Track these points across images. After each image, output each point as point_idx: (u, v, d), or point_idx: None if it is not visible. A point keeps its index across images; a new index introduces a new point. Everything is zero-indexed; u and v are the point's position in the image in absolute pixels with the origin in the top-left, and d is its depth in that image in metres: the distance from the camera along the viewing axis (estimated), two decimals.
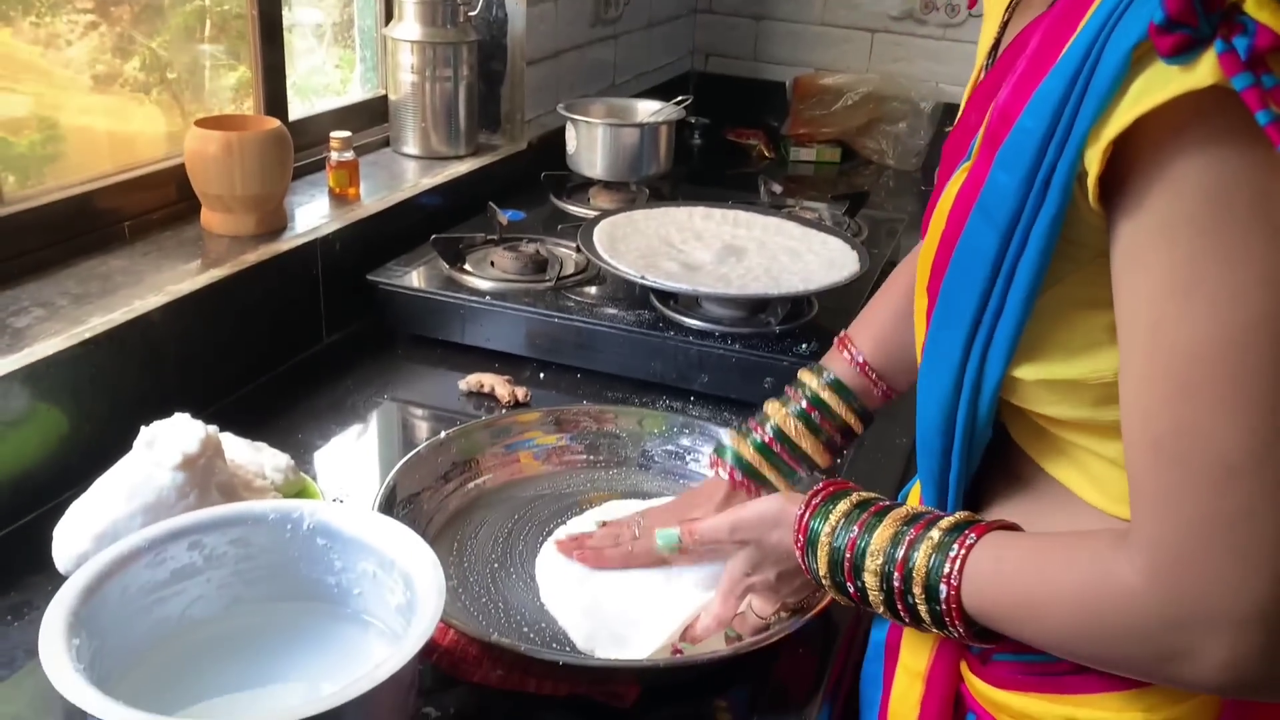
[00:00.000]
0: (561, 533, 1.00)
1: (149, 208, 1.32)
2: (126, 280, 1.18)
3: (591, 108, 1.87)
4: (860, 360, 0.93)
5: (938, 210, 0.67)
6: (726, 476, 0.96)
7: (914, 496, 0.86)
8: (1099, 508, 0.65)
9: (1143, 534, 0.56)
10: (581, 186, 1.85)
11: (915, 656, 0.77)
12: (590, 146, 1.77)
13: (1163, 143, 0.51)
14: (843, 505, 0.73)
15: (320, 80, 1.77)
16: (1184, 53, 0.48)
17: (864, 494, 0.75)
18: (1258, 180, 0.49)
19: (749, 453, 0.95)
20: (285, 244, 1.32)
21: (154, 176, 1.32)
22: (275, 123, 1.34)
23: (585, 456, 1.13)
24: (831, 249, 1.46)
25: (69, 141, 1.29)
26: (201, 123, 1.30)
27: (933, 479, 0.70)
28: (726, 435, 0.99)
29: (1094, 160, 0.53)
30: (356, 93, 1.83)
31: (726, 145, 2.43)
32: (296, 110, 1.59)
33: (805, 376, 0.96)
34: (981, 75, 0.75)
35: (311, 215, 1.42)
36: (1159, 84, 0.50)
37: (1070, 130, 0.54)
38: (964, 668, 0.75)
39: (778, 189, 1.87)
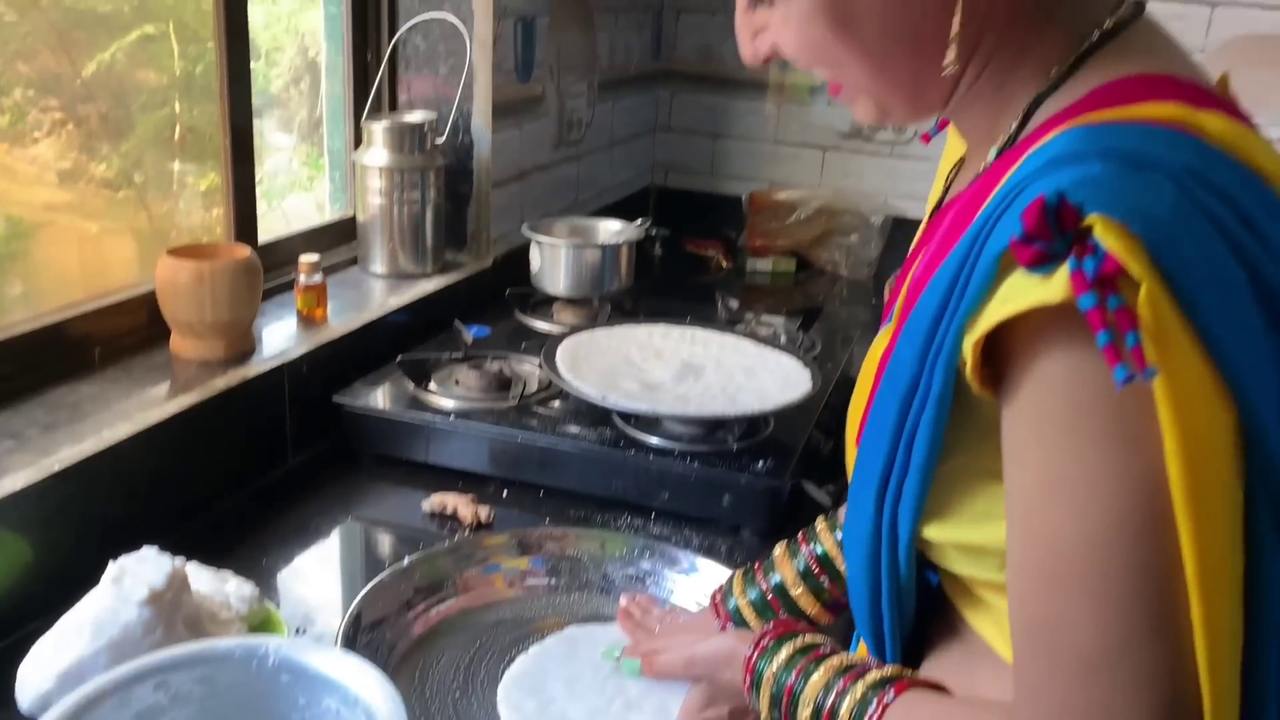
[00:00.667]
0: (521, 660, 1.01)
1: (119, 333, 1.35)
2: (96, 408, 1.20)
3: (555, 227, 1.93)
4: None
5: (864, 368, 0.71)
6: (721, 623, 0.96)
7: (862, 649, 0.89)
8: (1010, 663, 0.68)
9: (1018, 714, 0.58)
10: (545, 302, 1.90)
11: None
12: (554, 265, 1.83)
13: (1030, 345, 0.54)
14: (786, 649, 0.77)
15: (288, 179, 1.82)
16: (1041, 266, 0.51)
17: (809, 638, 0.78)
18: (1111, 394, 0.51)
19: (746, 607, 0.95)
20: (253, 369, 1.35)
21: (125, 304, 1.36)
22: (246, 251, 1.38)
23: (547, 580, 1.16)
24: (785, 368, 1.51)
25: (33, 239, 1.31)
26: (173, 252, 1.34)
27: (867, 628, 0.73)
28: (733, 578, 0.97)
29: (969, 352, 0.56)
30: (326, 212, 1.88)
31: (686, 256, 2.50)
32: (266, 220, 1.63)
33: (820, 524, 0.95)
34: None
35: (280, 338, 1.46)
36: (1020, 292, 0.53)
37: (952, 321, 0.58)
38: None
39: (734, 304, 1.93)
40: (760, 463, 1.34)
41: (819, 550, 0.93)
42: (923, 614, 0.74)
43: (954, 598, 0.72)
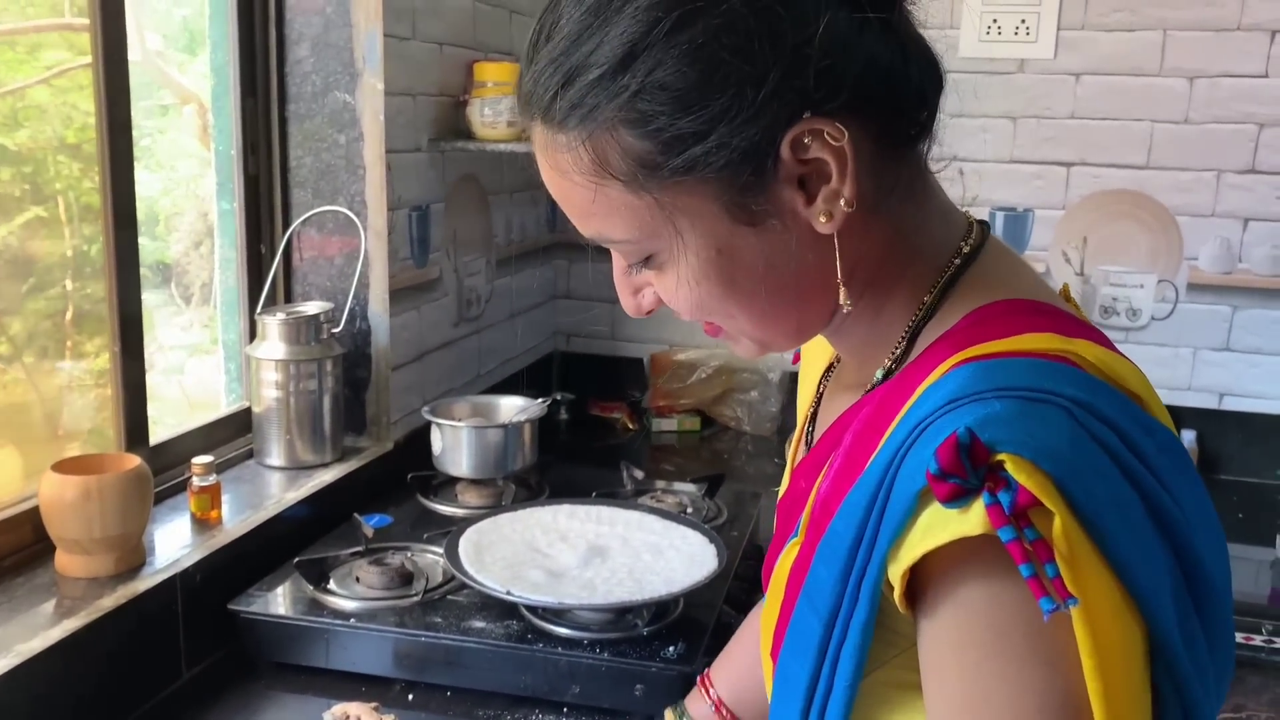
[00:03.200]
0: None
1: (1, 553, 1.30)
2: None
3: (456, 408, 1.93)
4: (717, 700, 0.97)
5: (774, 580, 0.72)
6: None
7: None
8: None
9: None
10: (449, 484, 1.89)
11: None
12: (455, 448, 1.83)
13: (949, 573, 0.56)
14: None
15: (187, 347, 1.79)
16: (957, 500, 0.54)
17: None
18: (1030, 617, 0.53)
19: None
20: (144, 582, 1.30)
21: (7, 521, 1.31)
22: (136, 461, 1.35)
23: None
24: (691, 544, 1.52)
25: None
26: (58, 466, 1.30)
27: None
28: None
29: (896, 578, 0.59)
30: (220, 405, 1.86)
31: (592, 419, 2.52)
32: (163, 389, 1.59)
33: (669, 717, 1.00)
34: (801, 444, 0.83)
35: (172, 545, 1.41)
36: (939, 524, 0.55)
37: (874, 545, 0.60)
38: None
39: (639, 474, 1.95)
40: (671, 648, 1.33)
41: None
42: None
43: None
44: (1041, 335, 0.62)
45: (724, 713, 0.96)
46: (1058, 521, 0.52)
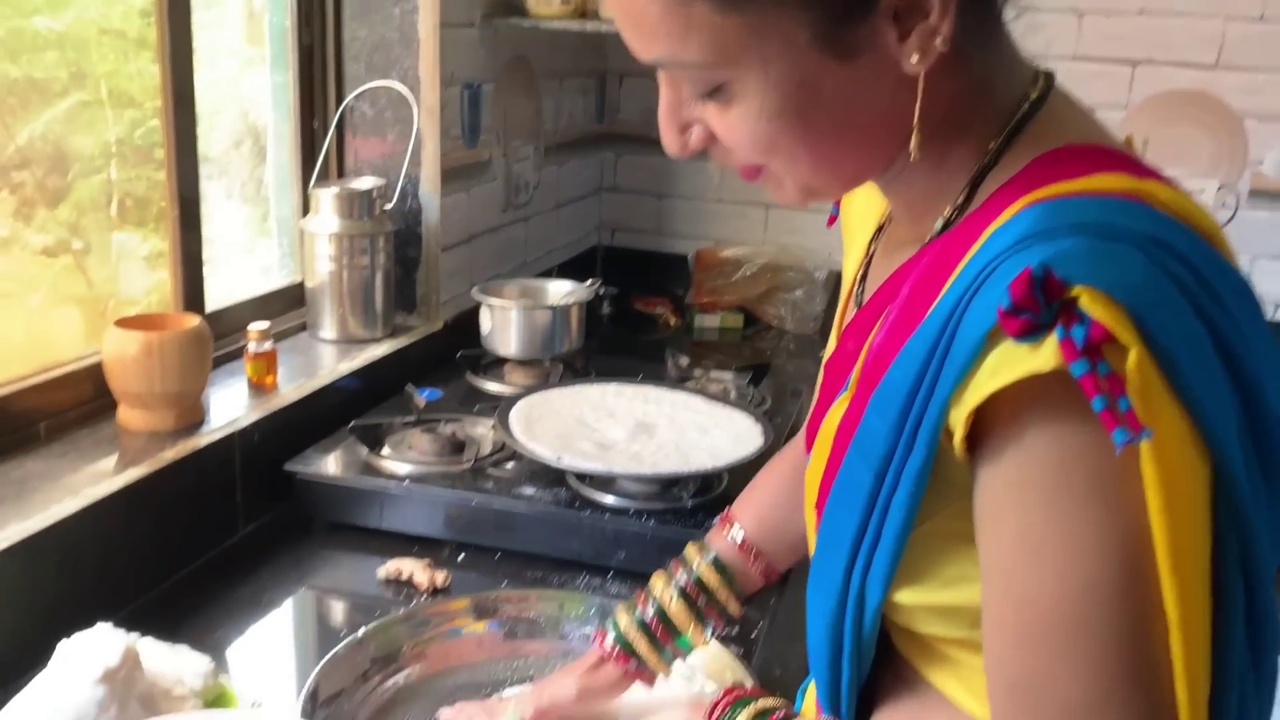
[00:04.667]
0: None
1: (65, 407, 1.33)
2: (42, 484, 1.18)
3: (505, 289, 1.94)
4: (740, 540, 0.98)
5: (821, 434, 0.72)
6: (598, 648, 0.98)
7: (812, 689, 0.90)
8: (976, 716, 0.69)
9: None
10: (497, 364, 1.91)
11: None
12: (504, 328, 1.84)
13: (1015, 413, 0.56)
14: (744, 715, 0.78)
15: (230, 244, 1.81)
16: (1029, 336, 0.54)
17: (762, 703, 0.79)
18: (1095, 457, 0.54)
19: (630, 630, 0.97)
20: (203, 439, 1.34)
21: (70, 376, 1.34)
22: (195, 321, 1.37)
23: (505, 644, 1.15)
24: (737, 424, 1.53)
25: None
26: (121, 323, 1.33)
27: (825, 683, 0.74)
28: (618, 609, 1.01)
29: (958, 423, 0.58)
30: (273, 276, 1.88)
31: (635, 314, 2.53)
32: (208, 284, 1.62)
33: (691, 551, 1.00)
34: (851, 304, 0.82)
35: (229, 406, 1.45)
36: (1009, 362, 0.55)
37: (933, 391, 0.59)
38: None
39: (684, 361, 1.96)
40: (716, 518, 1.35)
41: (692, 572, 0.98)
42: (874, 665, 0.75)
43: (910, 653, 0.74)
44: (1112, 175, 0.61)
45: (749, 553, 0.98)
46: (1132, 355, 0.52)
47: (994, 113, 0.68)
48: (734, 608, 0.99)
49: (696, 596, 0.97)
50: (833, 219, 0.91)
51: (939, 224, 0.70)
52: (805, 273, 2.48)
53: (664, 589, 0.98)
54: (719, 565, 0.98)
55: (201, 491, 1.33)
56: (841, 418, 0.69)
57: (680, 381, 1.88)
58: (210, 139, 1.77)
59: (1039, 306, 0.53)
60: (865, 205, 0.85)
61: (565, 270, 2.43)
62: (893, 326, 0.66)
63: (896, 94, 0.65)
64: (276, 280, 1.87)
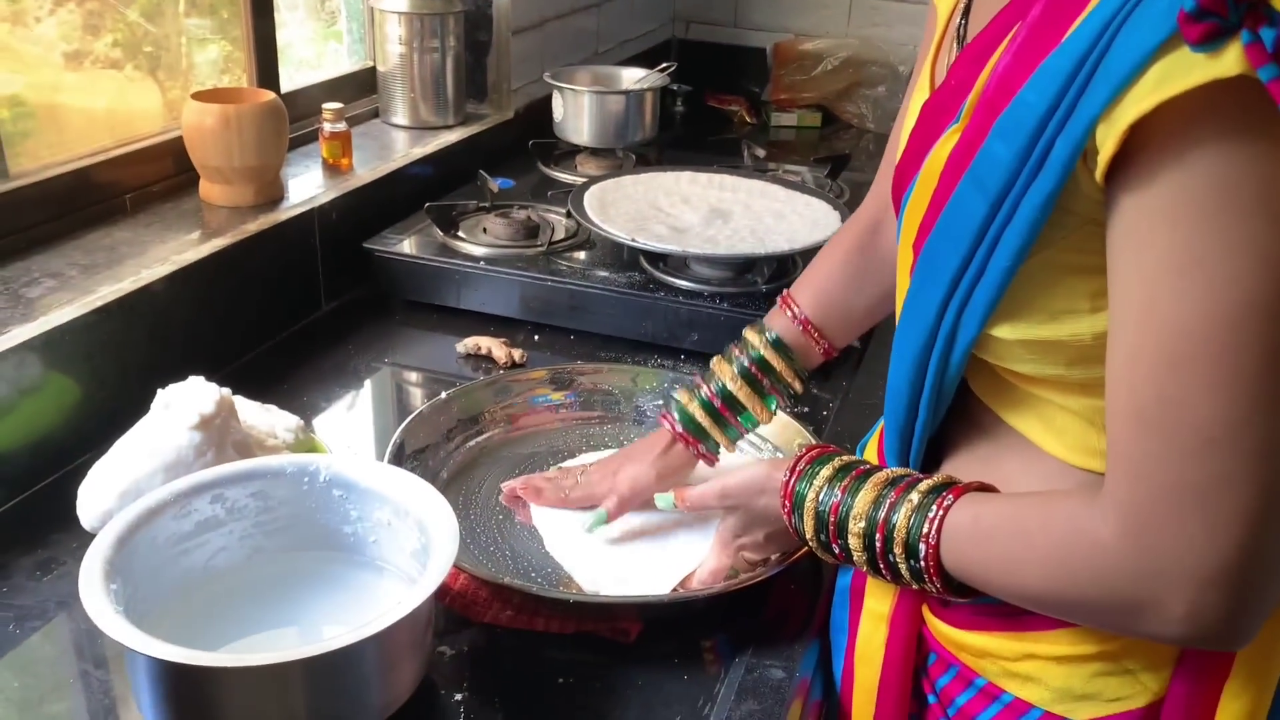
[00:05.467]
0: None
1: (148, 180, 1.35)
2: (131, 251, 1.21)
3: (577, 76, 1.90)
4: (802, 318, 0.97)
5: (927, 169, 0.70)
6: (669, 429, 0.99)
7: (872, 444, 0.91)
8: (1057, 456, 0.69)
9: (1118, 495, 0.59)
10: (569, 154, 1.88)
11: (879, 600, 0.82)
12: (577, 115, 1.80)
13: (1178, 128, 0.53)
14: (826, 471, 0.77)
15: (296, 54, 1.78)
16: (1211, 41, 0.50)
17: (846, 458, 0.79)
18: (1266, 170, 0.51)
19: (695, 409, 0.98)
20: (283, 214, 1.35)
21: (152, 150, 1.35)
22: (271, 95, 1.36)
23: (581, 413, 1.18)
24: (815, 210, 1.50)
25: (39, 119, 1.29)
26: (198, 96, 1.33)
27: (897, 426, 0.75)
28: (678, 391, 1.02)
29: (1108, 140, 0.55)
30: (343, 64, 1.85)
31: (709, 111, 2.46)
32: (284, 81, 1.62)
33: (749, 334, 0.99)
34: (949, 40, 0.78)
35: (307, 186, 1.45)
36: (1182, 71, 0.51)
37: (1074, 109, 0.56)
38: (925, 610, 0.80)
39: (761, 153, 1.91)
40: None
41: (752, 351, 0.98)
42: (948, 415, 0.75)
43: (990, 396, 0.73)
44: None
45: (810, 331, 0.97)
46: None
47: None
48: (796, 385, 0.99)
49: (759, 375, 0.97)
50: None
51: None
52: (889, 68, 2.38)
53: (725, 370, 0.98)
54: (779, 345, 0.98)
55: (284, 265, 1.36)
56: (952, 150, 0.67)
57: (757, 171, 1.84)
58: None
59: (1226, 8, 0.49)
60: None
61: (637, 63, 2.36)
62: (1021, 47, 0.63)
63: None
64: (345, 55, 1.84)
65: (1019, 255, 0.62)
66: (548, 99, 1.85)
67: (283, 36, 1.60)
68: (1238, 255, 0.53)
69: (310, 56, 1.83)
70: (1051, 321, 0.64)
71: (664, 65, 1.89)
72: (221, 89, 1.38)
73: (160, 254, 1.21)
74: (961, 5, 0.78)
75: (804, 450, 0.81)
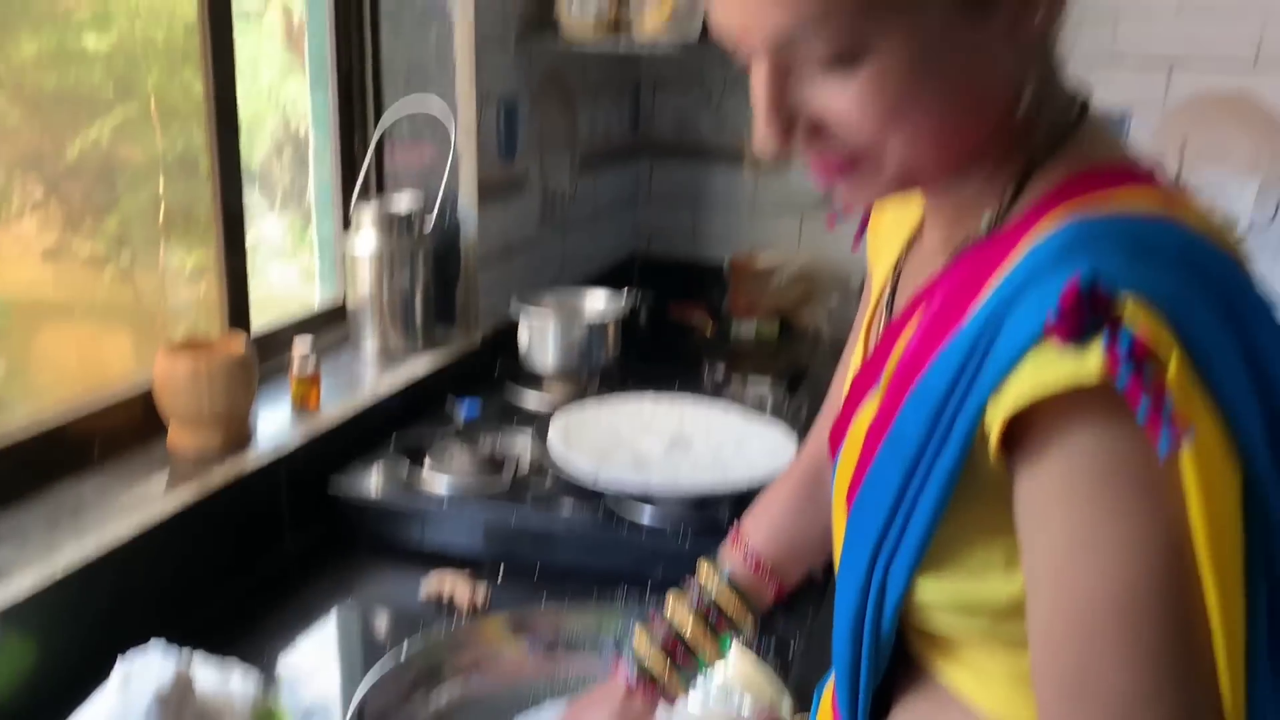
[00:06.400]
0: None
1: (118, 428, 1.37)
2: (97, 504, 1.22)
3: (542, 303, 1.97)
4: (755, 558, 1.00)
5: (851, 435, 0.74)
6: (622, 681, 0.99)
7: (828, 692, 0.92)
8: (992, 712, 0.70)
9: None
10: (536, 377, 1.93)
11: None
12: (542, 343, 1.86)
13: (1057, 419, 0.57)
14: None
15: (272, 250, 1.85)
16: (1075, 341, 0.55)
17: None
18: (1138, 462, 0.56)
19: (648, 653, 0.99)
20: (250, 461, 1.37)
21: (123, 402, 1.38)
22: (242, 345, 1.41)
23: (544, 660, 1.17)
24: (773, 435, 1.54)
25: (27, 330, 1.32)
26: (171, 347, 1.36)
27: (845, 682, 0.76)
28: (635, 633, 1.02)
29: (994, 425, 0.59)
30: (315, 281, 1.91)
31: (671, 322, 2.54)
32: (251, 291, 1.65)
33: (704, 575, 1.01)
34: (878, 316, 0.83)
35: (274, 426, 1.48)
36: (1052, 369, 0.56)
37: (969, 391, 0.61)
38: None
39: (720, 375, 1.97)
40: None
41: (707, 595, 1.00)
42: (893, 667, 0.76)
43: (927, 652, 0.75)
44: (1146, 190, 0.63)
45: (762, 570, 1.00)
46: (1173, 361, 0.54)
47: (1047, 121, 0.69)
48: (749, 626, 1.00)
49: (713, 616, 0.99)
50: (858, 239, 0.92)
51: (984, 222, 0.69)
52: (840, 280, 2.49)
53: (680, 611, 1.00)
54: (733, 585, 1.00)
55: (249, 510, 1.37)
56: (872, 418, 0.71)
57: (716, 391, 1.89)
58: (252, 145, 1.81)
59: (1086, 315, 0.55)
60: (894, 221, 0.86)
61: (602, 281, 2.46)
62: (927, 330, 0.68)
63: (1006, 67, 0.65)
64: (316, 287, 1.91)
65: (933, 518, 0.65)
66: (515, 322, 1.91)
67: (257, 234, 1.63)
68: (1126, 537, 0.56)
69: (287, 249, 1.89)
70: (970, 579, 0.66)
71: (627, 289, 1.96)
72: (192, 339, 1.41)
73: (126, 507, 1.22)
74: (889, 283, 0.84)
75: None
